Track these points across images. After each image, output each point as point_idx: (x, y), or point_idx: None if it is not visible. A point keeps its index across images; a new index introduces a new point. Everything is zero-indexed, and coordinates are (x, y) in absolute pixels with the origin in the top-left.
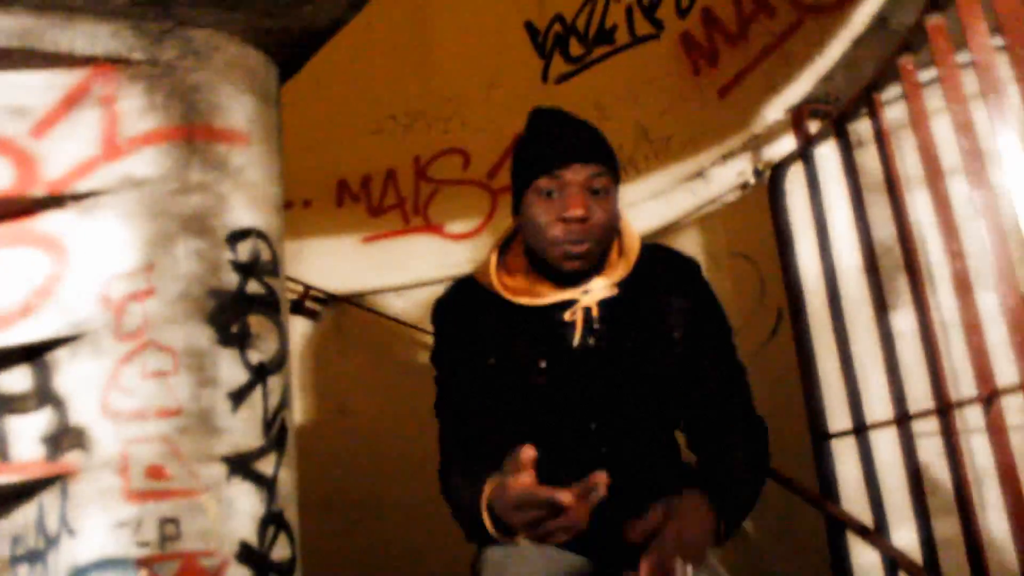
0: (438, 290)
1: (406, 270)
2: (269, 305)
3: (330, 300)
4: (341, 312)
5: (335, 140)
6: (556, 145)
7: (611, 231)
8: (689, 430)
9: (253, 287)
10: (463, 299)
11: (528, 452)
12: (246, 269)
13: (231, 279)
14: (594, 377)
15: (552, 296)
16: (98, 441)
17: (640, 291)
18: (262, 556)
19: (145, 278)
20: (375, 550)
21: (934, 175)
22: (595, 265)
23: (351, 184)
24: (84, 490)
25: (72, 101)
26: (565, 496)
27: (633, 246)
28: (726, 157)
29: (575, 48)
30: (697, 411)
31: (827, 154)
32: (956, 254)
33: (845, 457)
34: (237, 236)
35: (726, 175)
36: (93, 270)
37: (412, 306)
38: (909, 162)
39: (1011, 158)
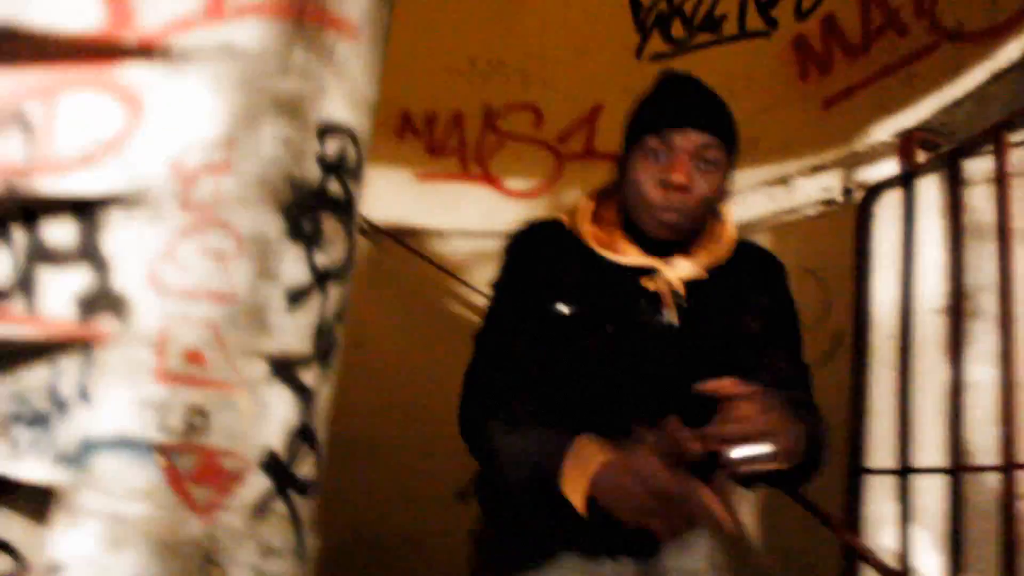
0: (484, 243)
1: (455, 216)
2: (345, 210)
3: (371, 230)
4: (380, 244)
5: (407, 71)
6: (672, 106)
7: (710, 208)
8: None
9: (334, 187)
10: (545, 236)
11: (677, 429)
12: (330, 166)
13: (313, 173)
14: (664, 356)
15: (635, 258)
16: (138, 311)
17: (727, 282)
18: (287, 469)
19: (224, 153)
20: (362, 490)
21: None
22: (686, 240)
23: (415, 118)
24: (112, 360)
25: None
26: (715, 505)
27: (731, 235)
28: (816, 170)
29: (677, 30)
30: None
31: (928, 186)
32: None
33: (879, 498)
34: (328, 130)
35: (811, 188)
36: (169, 133)
37: (453, 253)
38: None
39: None
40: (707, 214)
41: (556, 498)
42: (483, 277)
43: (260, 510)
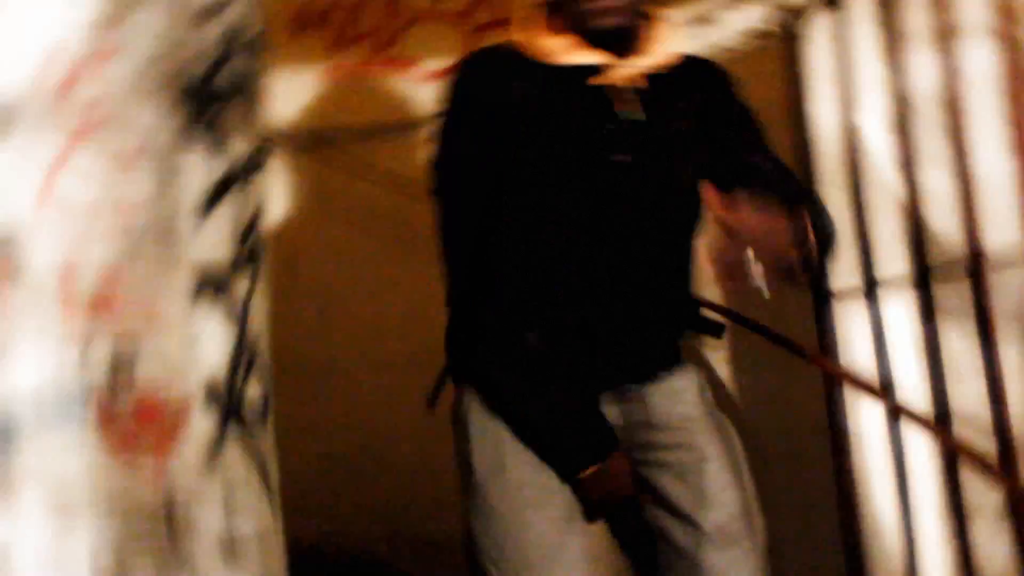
0: (407, 135)
1: (371, 111)
2: (248, 95)
3: (282, 140)
4: (294, 154)
5: None
6: None
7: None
8: None
9: (233, 68)
10: (492, 62)
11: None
12: (226, 44)
13: (208, 52)
14: (643, 160)
15: (594, 55)
16: (34, 240)
17: (680, 85)
18: (231, 394)
19: (106, 37)
20: (325, 413)
21: (1005, 15)
22: (629, 39)
23: (312, 10)
24: (15, 302)
25: None
26: None
27: (669, 34)
28: (736, 0)
29: None
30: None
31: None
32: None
33: (849, 319)
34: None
35: (735, 21)
36: (36, 19)
37: (375, 152)
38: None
39: None
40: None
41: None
42: (413, 175)
43: (215, 446)
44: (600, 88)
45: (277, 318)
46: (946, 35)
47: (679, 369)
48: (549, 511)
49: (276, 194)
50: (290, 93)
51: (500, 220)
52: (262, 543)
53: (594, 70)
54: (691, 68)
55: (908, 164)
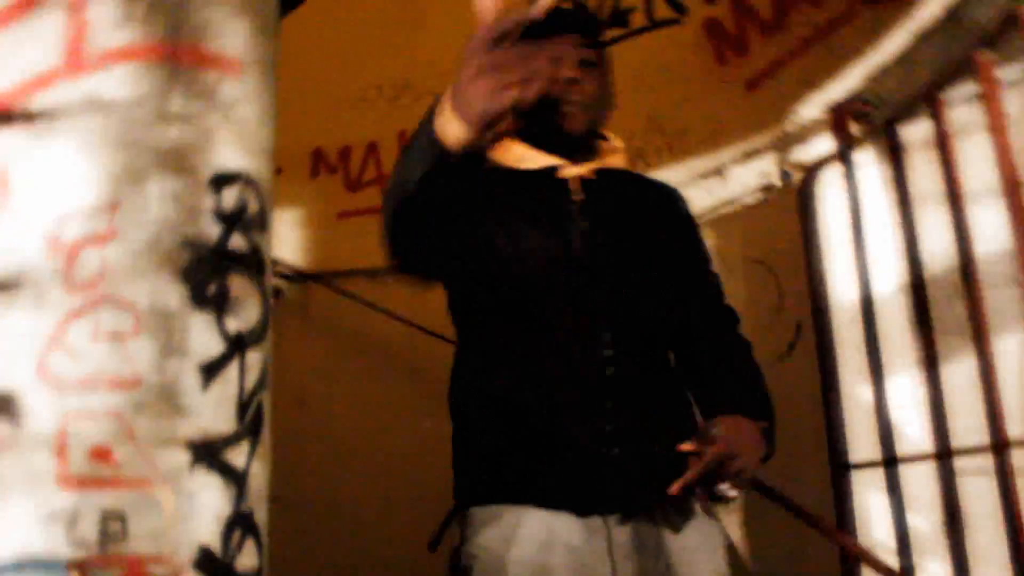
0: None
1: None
2: (253, 265)
3: (296, 277)
4: (307, 292)
5: (313, 107)
6: (550, 18)
7: (601, 110)
8: (683, 339)
9: (237, 242)
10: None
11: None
12: (230, 220)
13: (211, 230)
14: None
15: (545, 159)
16: (31, 411)
17: (628, 191)
18: (225, 565)
19: (107, 220)
20: (329, 553)
21: (1011, 185)
22: (585, 144)
23: (328, 155)
24: (7, 471)
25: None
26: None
27: (623, 151)
28: (749, 155)
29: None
30: (694, 317)
31: (868, 159)
32: None
33: (868, 492)
34: (222, 180)
35: (747, 175)
36: (41, 206)
37: (386, 291)
38: (969, 174)
39: None
40: (601, 120)
41: (447, 163)
42: (421, 314)
43: None
44: (558, 183)
45: (281, 455)
46: (956, 197)
47: (697, 518)
48: None
49: (287, 326)
50: (306, 233)
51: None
52: None
53: (552, 171)
54: (645, 182)
55: (925, 328)
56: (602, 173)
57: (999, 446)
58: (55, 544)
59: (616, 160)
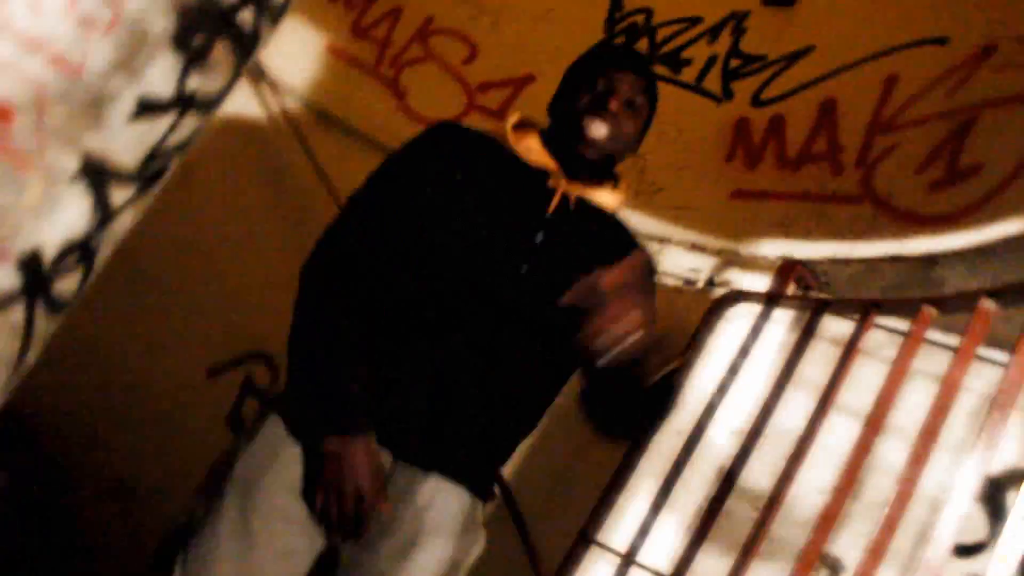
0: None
1: (352, 111)
2: (244, 46)
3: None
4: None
5: None
6: (613, 52)
7: (623, 151)
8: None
9: (245, 16)
10: (463, 136)
11: None
12: None
13: None
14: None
15: (543, 157)
16: None
17: (600, 235)
18: (44, 279)
19: None
20: None
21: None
22: (598, 173)
23: None
24: None
25: None
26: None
27: (624, 189)
28: (694, 247)
29: (641, 47)
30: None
31: (782, 317)
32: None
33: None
34: None
35: (683, 260)
36: None
37: (342, 150)
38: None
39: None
40: (619, 157)
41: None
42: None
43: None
44: (543, 189)
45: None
46: (828, 398)
47: (459, 489)
48: (275, 541)
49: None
50: (295, 49)
51: (387, 261)
52: None
53: (545, 176)
54: (615, 228)
55: (730, 481)
56: (585, 204)
57: None
58: None
59: (606, 199)
